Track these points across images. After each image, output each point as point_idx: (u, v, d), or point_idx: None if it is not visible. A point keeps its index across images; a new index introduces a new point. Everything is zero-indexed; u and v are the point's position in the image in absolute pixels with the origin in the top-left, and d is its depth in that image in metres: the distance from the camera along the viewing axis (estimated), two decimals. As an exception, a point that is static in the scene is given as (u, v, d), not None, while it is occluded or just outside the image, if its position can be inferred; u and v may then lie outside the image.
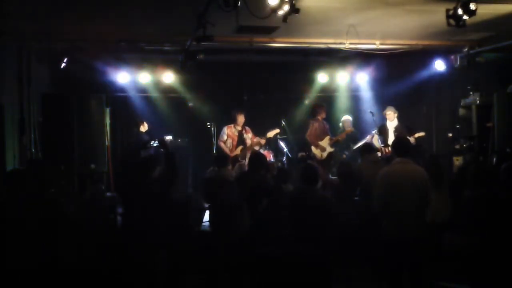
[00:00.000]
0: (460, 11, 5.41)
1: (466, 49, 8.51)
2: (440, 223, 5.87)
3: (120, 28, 7.28)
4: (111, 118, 9.19)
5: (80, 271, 4.46)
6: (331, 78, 10.68)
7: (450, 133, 9.67)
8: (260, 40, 7.90)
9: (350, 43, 7.76)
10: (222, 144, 9.05)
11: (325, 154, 9.39)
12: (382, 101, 10.87)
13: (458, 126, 9.48)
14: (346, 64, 10.19)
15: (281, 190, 5.71)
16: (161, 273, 5.26)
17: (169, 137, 9.59)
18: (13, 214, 4.03)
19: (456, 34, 7.62)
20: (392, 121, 9.28)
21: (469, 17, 5.46)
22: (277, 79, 10.81)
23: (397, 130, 9.07)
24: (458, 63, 8.75)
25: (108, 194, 7.94)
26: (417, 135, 9.03)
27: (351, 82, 10.89)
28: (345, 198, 6.24)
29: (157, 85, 10.23)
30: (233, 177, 6.53)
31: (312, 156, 9.41)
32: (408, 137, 6.89)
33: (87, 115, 7.89)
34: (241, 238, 5.63)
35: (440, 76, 9.74)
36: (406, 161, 5.15)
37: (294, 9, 5.14)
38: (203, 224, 6.68)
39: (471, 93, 9.14)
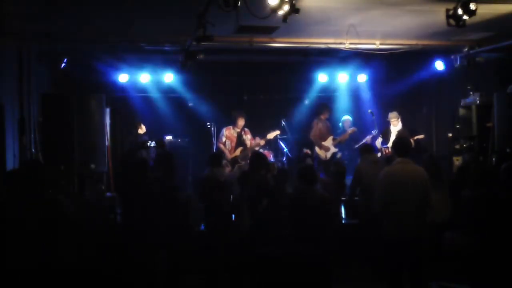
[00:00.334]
0: (460, 11, 5.41)
1: (466, 49, 8.51)
2: (440, 223, 5.87)
3: (120, 28, 7.28)
4: (111, 118, 9.19)
5: (80, 271, 4.46)
6: (331, 78, 10.69)
7: (450, 133, 9.67)
8: (260, 40, 7.90)
9: (350, 43, 7.75)
10: (221, 146, 9.06)
11: (329, 155, 9.39)
12: (382, 101, 10.88)
13: (458, 126, 9.47)
14: (346, 64, 10.19)
15: (281, 190, 5.72)
16: (161, 273, 5.26)
17: (169, 137, 9.59)
18: (13, 214, 4.02)
19: (456, 34, 7.62)
20: (396, 126, 9.29)
21: (469, 17, 5.46)
22: (277, 79, 10.81)
23: (399, 133, 9.07)
24: (458, 63, 8.74)
25: (108, 194, 7.94)
26: (416, 137, 9.03)
27: (351, 82, 10.89)
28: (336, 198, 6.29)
29: (157, 85, 10.23)
30: (225, 177, 6.53)
31: (316, 157, 9.41)
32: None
33: (87, 115, 7.87)
34: (241, 238, 5.63)
35: (440, 76, 9.75)
36: (406, 161, 5.15)
37: (294, 9, 5.14)
38: None
39: (471, 93, 9.14)
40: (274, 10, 5.16)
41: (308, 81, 10.88)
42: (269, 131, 9.21)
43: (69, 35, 7.41)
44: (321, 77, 10.62)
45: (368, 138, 9.49)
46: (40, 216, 4.02)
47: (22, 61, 7.55)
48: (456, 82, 9.65)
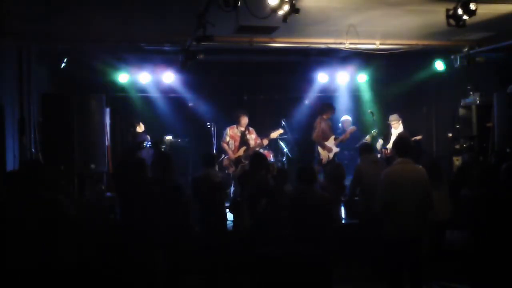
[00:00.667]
0: (460, 11, 5.41)
1: (466, 49, 8.50)
2: (440, 223, 5.88)
3: (120, 28, 7.27)
4: (111, 118, 9.18)
5: (80, 271, 4.46)
6: (331, 78, 10.69)
7: (450, 133, 9.66)
8: (260, 40, 7.89)
9: (350, 43, 7.74)
10: (225, 146, 9.04)
11: (331, 155, 9.37)
12: (382, 101, 10.88)
13: (458, 126, 9.47)
14: (346, 64, 10.19)
15: (280, 191, 5.72)
16: (161, 273, 5.26)
17: (169, 137, 9.59)
18: (13, 214, 4.03)
19: (456, 34, 7.62)
20: (397, 129, 9.29)
21: (469, 17, 5.45)
22: (277, 79, 10.81)
23: (400, 134, 9.06)
24: (458, 63, 8.74)
25: (108, 194, 7.93)
26: (413, 138, 9.03)
27: (351, 82, 10.89)
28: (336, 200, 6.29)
29: (157, 85, 10.22)
30: (220, 178, 6.52)
31: (319, 158, 9.39)
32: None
33: (87, 115, 7.87)
34: (241, 238, 5.63)
35: (440, 76, 9.74)
36: (407, 161, 5.16)
37: (294, 9, 5.14)
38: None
39: (471, 93, 9.14)
40: (274, 10, 5.16)
41: (308, 81, 10.87)
42: (269, 131, 9.20)
43: (69, 35, 7.40)
44: (321, 77, 10.62)
45: (367, 138, 9.48)
46: (40, 216, 4.02)
47: (22, 61, 7.55)
48: (456, 82, 9.64)
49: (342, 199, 7.05)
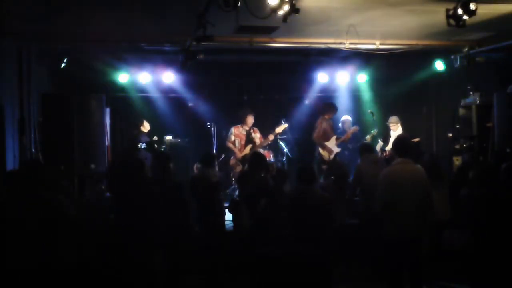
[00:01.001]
0: (460, 11, 5.41)
1: (466, 49, 8.50)
2: (440, 222, 5.88)
3: (120, 28, 7.27)
4: (111, 118, 9.18)
5: (80, 271, 4.46)
6: (331, 78, 10.68)
7: (450, 133, 9.66)
8: (260, 40, 7.90)
9: (350, 43, 7.75)
10: (230, 145, 9.04)
11: (332, 155, 9.37)
12: (382, 101, 10.88)
13: (458, 126, 9.47)
14: (346, 64, 10.19)
15: (280, 191, 5.72)
16: (161, 273, 5.26)
17: (169, 137, 9.58)
18: (13, 214, 4.03)
19: (456, 34, 7.62)
20: (395, 131, 9.28)
21: (469, 17, 5.45)
22: (277, 79, 10.81)
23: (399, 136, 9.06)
24: (458, 63, 8.74)
25: (108, 194, 7.93)
26: (412, 140, 9.01)
27: (351, 82, 10.89)
28: (338, 200, 6.27)
29: (157, 85, 10.22)
30: (218, 178, 6.52)
31: (319, 158, 9.38)
32: None
33: (87, 115, 7.87)
34: (241, 238, 5.63)
35: (440, 76, 9.74)
36: (406, 162, 5.16)
37: (294, 9, 5.14)
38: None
39: (471, 93, 9.13)
40: (274, 10, 5.16)
41: (308, 81, 10.87)
42: (270, 131, 9.20)
43: (69, 35, 7.40)
44: (321, 77, 10.61)
45: (368, 138, 9.48)
46: (40, 216, 4.02)
47: (22, 61, 7.55)
48: (456, 82, 9.64)
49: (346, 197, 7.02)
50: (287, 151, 9.74)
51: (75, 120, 7.70)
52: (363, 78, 10.69)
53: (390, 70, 10.14)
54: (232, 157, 9.11)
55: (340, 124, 10.32)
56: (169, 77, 9.76)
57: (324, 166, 9.07)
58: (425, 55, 9.24)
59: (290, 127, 9.87)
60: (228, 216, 6.38)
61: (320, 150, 9.40)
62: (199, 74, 9.75)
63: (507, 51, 8.35)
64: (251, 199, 5.58)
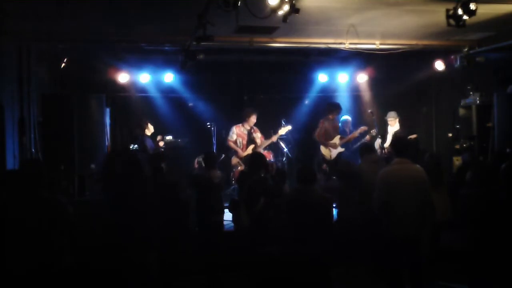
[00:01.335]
0: (460, 11, 5.41)
1: (466, 49, 8.51)
2: (439, 222, 5.87)
3: (120, 28, 7.28)
4: (111, 118, 9.18)
5: (79, 271, 4.46)
6: (331, 78, 10.68)
7: (450, 133, 9.67)
8: (260, 40, 7.90)
9: (350, 43, 7.76)
10: (232, 144, 9.04)
11: (334, 154, 9.36)
12: (382, 101, 10.88)
13: (458, 126, 9.48)
14: (346, 64, 10.19)
15: (279, 190, 5.72)
16: (159, 273, 5.26)
17: (169, 137, 9.58)
18: (13, 214, 4.03)
19: (456, 34, 7.62)
20: (393, 127, 9.28)
21: (469, 17, 5.45)
22: (277, 79, 10.82)
23: (395, 134, 9.06)
24: (458, 63, 8.74)
25: (104, 193, 7.92)
26: (409, 137, 9.02)
27: (351, 82, 10.89)
28: (348, 200, 6.24)
29: (157, 85, 10.23)
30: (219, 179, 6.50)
31: (320, 156, 9.38)
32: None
33: (87, 115, 7.88)
34: (241, 238, 5.63)
35: (440, 76, 9.74)
36: (405, 161, 5.15)
37: (294, 9, 5.14)
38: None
39: (471, 93, 9.13)
40: (274, 10, 5.16)
41: (308, 81, 10.89)
42: (270, 131, 9.21)
43: (69, 35, 7.41)
44: (321, 77, 10.63)
45: (367, 138, 9.48)
46: (39, 216, 4.02)
47: (22, 61, 7.55)
48: (456, 82, 9.65)
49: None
50: (287, 151, 9.75)
51: (75, 120, 7.71)
52: (363, 78, 10.69)
53: (390, 70, 10.14)
54: (233, 156, 9.11)
55: (340, 124, 10.32)
56: (169, 77, 9.77)
57: (324, 166, 9.07)
58: (425, 55, 9.24)
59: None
60: (228, 216, 6.38)
61: (322, 148, 9.40)
62: (199, 74, 9.76)
63: (507, 51, 8.34)
64: (250, 199, 5.58)
